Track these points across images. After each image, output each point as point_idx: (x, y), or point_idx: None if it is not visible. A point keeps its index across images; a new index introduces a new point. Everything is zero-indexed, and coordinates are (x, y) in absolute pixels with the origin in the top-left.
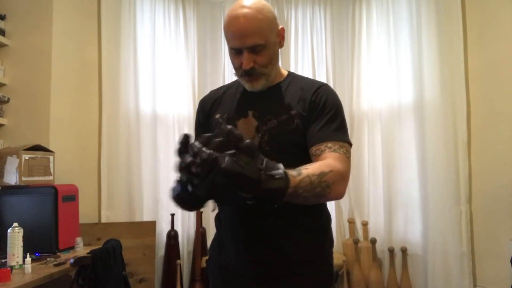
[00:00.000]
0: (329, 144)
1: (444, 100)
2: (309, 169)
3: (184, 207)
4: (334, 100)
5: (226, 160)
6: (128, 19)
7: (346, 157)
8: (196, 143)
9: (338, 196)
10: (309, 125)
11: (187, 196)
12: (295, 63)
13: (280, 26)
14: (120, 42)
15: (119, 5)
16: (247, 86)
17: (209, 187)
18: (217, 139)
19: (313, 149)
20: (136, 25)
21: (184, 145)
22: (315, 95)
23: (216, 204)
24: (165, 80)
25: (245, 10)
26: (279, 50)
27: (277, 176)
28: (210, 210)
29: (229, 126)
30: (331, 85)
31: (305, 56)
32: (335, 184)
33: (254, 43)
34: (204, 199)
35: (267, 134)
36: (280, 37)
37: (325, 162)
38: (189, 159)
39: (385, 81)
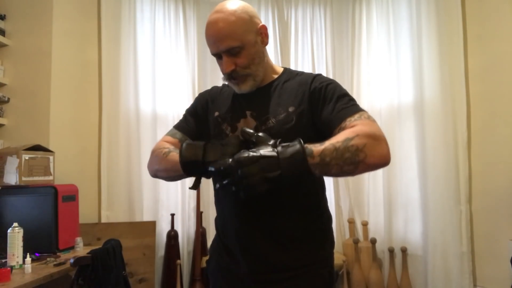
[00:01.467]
0: (348, 119)
1: (444, 100)
2: (332, 139)
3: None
4: (333, 83)
5: (240, 153)
6: (128, 19)
7: (371, 120)
8: (217, 164)
9: (380, 159)
10: (320, 115)
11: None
12: (295, 63)
13: (260, 24)
14: (120, 42)
15: (119, 5)
16: (236, 89)
17: (242, 183)
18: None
19: (335, 132)
20: (136, 25)
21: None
22: (312, 85)
23: (197, 183)
24: (165, 80)
25: (217, 15)
26: (280, 48)
27: (291, 144)
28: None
29: (244, 128)
30: None
31: (305, 56)
32: (368, 147)
33: (229, 46)
34: (250, 197)
35: (266, 134)
36: (262, 35)
37: (349, 129)
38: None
39: (385, 81)
